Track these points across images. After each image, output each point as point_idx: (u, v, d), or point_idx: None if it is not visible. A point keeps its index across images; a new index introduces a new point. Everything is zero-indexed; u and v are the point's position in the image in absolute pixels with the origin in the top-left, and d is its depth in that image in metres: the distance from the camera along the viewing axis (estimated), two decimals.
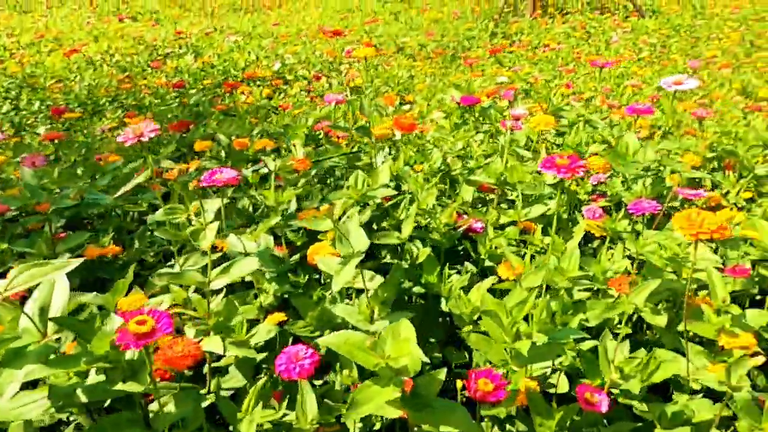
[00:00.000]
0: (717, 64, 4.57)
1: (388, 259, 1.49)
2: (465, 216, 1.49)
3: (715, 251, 1.45)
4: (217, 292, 1.02)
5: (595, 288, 1.23)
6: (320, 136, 2.23)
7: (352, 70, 4.20)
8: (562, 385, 1.16)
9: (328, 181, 1.88)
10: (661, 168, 1.79)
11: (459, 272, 1.44)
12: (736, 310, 1.01)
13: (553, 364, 1.14)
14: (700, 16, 7.13)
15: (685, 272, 1.18)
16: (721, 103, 3.15)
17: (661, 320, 1.15)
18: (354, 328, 0.99)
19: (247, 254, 1.09)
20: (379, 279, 1.04)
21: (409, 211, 1.36)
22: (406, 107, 3.19)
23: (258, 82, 4.00)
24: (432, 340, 1.28)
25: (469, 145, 1.87)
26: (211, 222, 0.94)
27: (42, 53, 5.31)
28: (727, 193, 1.94)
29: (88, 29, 5.99)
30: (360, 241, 0.96)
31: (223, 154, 2.11)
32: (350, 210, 1.17)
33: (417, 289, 1.32)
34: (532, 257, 1.33)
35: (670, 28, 6.49)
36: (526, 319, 0.97)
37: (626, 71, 4.54)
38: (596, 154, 1.71)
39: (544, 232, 1.54)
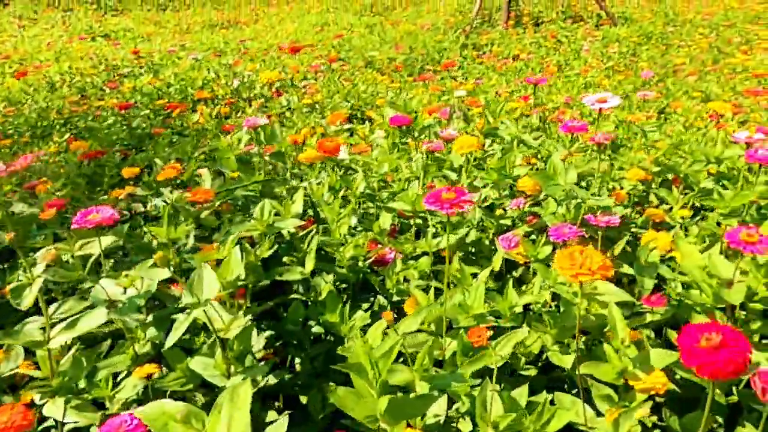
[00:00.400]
0: (685, 72, 4.54)
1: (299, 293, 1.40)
2: (380, 246, 1.41)
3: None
4: (70, 347, 0.93)
5: (502, 325, 1.15)
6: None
7: (316, 85, 4.13)
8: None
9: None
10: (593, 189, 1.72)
11: (372, 308, 1.35)
12: (632, 352, 0.92)
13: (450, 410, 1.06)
14: (672, 23, 7.13)
15: (593, 307, 1.10)
16: (682, 111, 3.10)
17: (567, 361, 1.07)
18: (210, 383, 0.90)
19: (112, 302, 1.00)
20: (241, 327, 0.95)
21: (311, 244, 1.28)
22: (365, 124, 3.12)
23: (216, 101, 3.92)
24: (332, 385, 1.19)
25: (398, 168, 1.79)
26: (39, 276, 0.85)
27: (6, 74, 5.22)
28: (671, 209, 1.87)
29: (55, 49, 5.90)
30: (210, 288, 0.87)
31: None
32: (229, 245, 1.08)
33: (317, 329, 1.23)
34: (439, 291, 1.25)
35: (642, 35, 6.48)
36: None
37: (593, 80, 4.50)
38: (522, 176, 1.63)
39: (468, 262, 1.46)
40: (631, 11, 7.96)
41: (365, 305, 1.33)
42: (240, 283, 1.07)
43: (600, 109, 1.53)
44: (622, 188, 1.95)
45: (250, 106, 3.80)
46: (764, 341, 1.19)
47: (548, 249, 1.36)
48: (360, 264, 1.32)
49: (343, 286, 1.38)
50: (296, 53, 4.38)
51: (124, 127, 3.12)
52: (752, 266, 1.09)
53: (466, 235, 1.41)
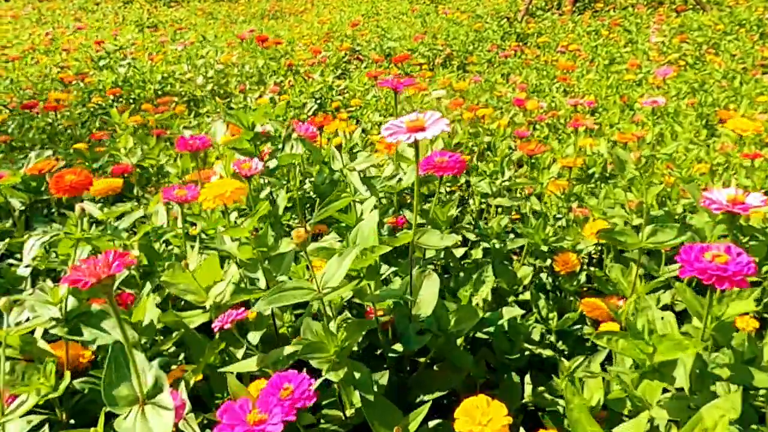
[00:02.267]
0: None
1: None
2: None
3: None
4: None
5: None
6: None
7: (290, 80, 3.52)
8: None
9: None
10: None
11: None
12: None
13: None
14: None
15: None
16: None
17: None
18: None
19: None
20: None
21: None
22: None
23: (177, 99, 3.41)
24: None
25: None
26: None
27: None
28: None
29: (46, 40, 5.66)
30: None
31: None
32: None
33: None
34: None
35: (734, 23, 5.32)
36: None
37: (645, 78, 3.57)
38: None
39: None
40: None
41: None
42: None
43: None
44: None
45: (205, 105, 3.25)
46: None
47: None
48: None
49: None
50: (262, 43, 3.78)
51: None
52: None
53: None
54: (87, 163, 1.79)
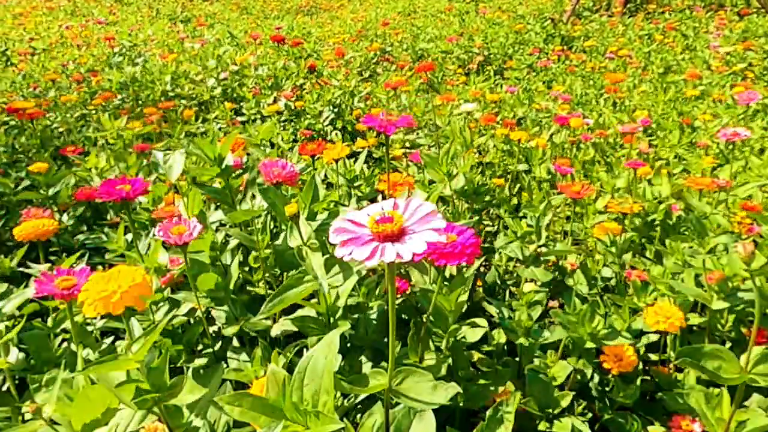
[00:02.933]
0: None
1: None
2: None
3: None
4: None
5: None
6: None
7: (308, 84, 3.22)
8: None
9: None
10: None
11: None
12: None
13: None
14: None
15: None
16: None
17: None
18: None
19: None
20: None
21: None
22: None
23: (184, 102, 3.16)
24: None
25: None
26: None
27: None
28: None
29: (69, 34, 5.50)
30: None
31: None
32: None
33: None
34: None
35: None
36: None
37: (708, 90, 3.16)
38: None
39: None
40: None
41: None
42: None
43: None
44: None
45: (213, 110, 2.98)
46: None
47: None
48: None
49: None
50: (278, 43, 3.49)
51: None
52: None
53: None
54: (42, 190, 1.52)
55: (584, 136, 2.30)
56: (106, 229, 1.39)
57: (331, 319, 0.84)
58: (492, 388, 0.87)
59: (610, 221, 1.60)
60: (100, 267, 1.22)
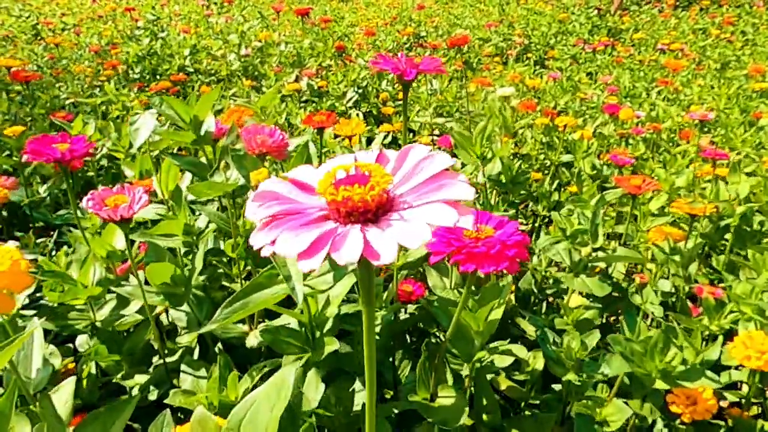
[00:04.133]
0: None
1: None
2: None
3: None
4: None
5: None
6: None
7: (333, 64, 3.02)
8: None
9: None
10: None
11: None
12: None
13: None
14: None
15: None
16: None
17: None
18: None
19: None
20: None
21: None
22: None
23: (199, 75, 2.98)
24: None
25: None
26: None
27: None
28: None
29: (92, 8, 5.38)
30: None
31: None
32: None
33: None
34: None
35: None
36: None
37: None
38: None
39: None
40: None
41: None
42: None
43: None
44: None
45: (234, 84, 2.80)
46: None
47: None
48: None
49: None
50: (302, 16, 3.29)
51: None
52: None
53: None
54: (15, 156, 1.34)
55: (635, 129, 2.05)
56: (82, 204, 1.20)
57: (317, 333, 0.63)
58: None
59: (670, 226, 1.35)
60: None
